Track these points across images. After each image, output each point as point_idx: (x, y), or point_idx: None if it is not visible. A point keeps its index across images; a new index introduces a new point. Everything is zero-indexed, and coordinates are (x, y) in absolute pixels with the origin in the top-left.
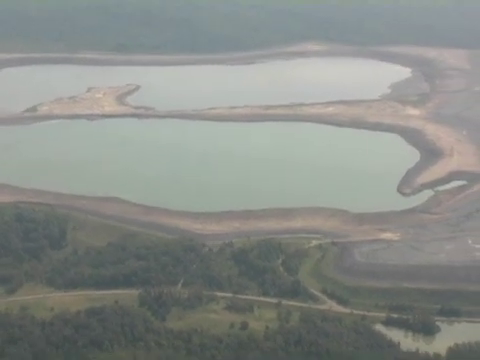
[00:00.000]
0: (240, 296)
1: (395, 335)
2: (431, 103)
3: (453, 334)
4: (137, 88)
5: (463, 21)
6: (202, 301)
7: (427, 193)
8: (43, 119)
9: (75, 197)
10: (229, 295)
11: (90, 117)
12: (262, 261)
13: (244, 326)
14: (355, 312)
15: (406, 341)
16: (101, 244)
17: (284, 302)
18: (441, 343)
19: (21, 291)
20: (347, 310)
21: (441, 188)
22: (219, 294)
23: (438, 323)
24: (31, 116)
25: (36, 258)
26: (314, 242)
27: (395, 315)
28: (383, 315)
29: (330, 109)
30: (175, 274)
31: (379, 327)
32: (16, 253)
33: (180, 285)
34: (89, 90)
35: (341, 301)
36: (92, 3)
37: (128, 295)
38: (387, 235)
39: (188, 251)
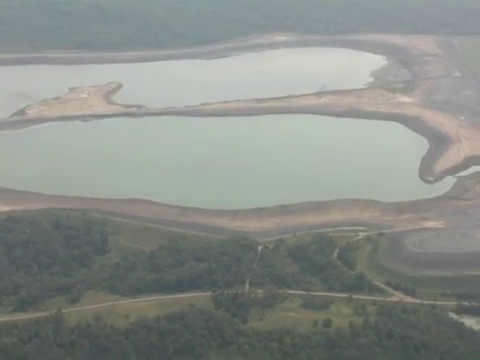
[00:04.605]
0: (312, 293)
1: (471, 323)
2: (419, 90)
3: None
4: (120, 86)
5: (417, 6)
6: (277, 300)
7: (450, 180)
8: (34, 122)
9: (101, 201)
10: (300, 293)
11: (84, 118)
12: (320, 256)
13: (328, 323)
14: (425, 302)
15: None
16: (145, 248)
17: (354, 296)
18: None
19: (85, 300)
20: (417, 301)
21: (462, 174)
22: (290, 292)
23: None
24: (21, 120)
25: (84, 265)
26: (361, 234)
27: (465, 303)
28: (452, 304)
29: (322, 100)
30: (240, 274)
31: (452, 316)
32: (63, 261)
33: (247, 285)
34: (71, 90)
35: (408, 292)
36: (40, 2)
37: (200, 298)
38: (431, 223)
39: (246, 250)
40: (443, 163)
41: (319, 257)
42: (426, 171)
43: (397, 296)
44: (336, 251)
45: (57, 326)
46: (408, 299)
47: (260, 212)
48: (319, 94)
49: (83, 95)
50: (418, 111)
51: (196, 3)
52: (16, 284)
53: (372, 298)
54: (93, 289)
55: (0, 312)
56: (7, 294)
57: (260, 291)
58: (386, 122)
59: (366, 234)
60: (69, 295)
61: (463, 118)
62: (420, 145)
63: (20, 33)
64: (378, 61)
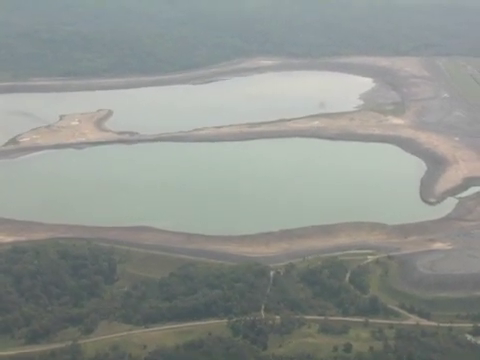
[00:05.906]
0: (329, 318)
1: None
2: (410, 112)
3: None
4: (110, 113)
5: (397, 29)
6: (295, 326)
7: (451, 201)
8: (29, 151)
9: (106, 229)
10: (317, 318)
11: (78, 146)
12: (333, 280)
13: (348, 348)
14: (441, 325)
15: None
16: (154, 276)
17: (370, 320)
18: None
19: (99, 330)
20: (433, 323)
21: (462, 195)
22: (307, 317)
23: None
24: (15, 149)
25: (94, 295)
26: (370, 257)
27: None
28: (469, 325)
29: (316, 123)
30: (255, 300)
31: (470, 338)
32: (73, 291)
33: (263, 311)
34: (62, 118)
35: (423, 315)
36: (22, 30)
37: (217, 325)
38: (439, 245)
39: (259, 276)
40: (443, 184)
41: (332, 281)
42: (427, 193)
43: (413, 319)
44: (347, 275)
45: (74, 357)
46: (424, 322)
47: (267, 237)
48: (311, 117)
49: (74, 123)
50: (412, 133)
51: (178, 29)
52: (26, 316)
53: (389, 322)
54: (106, 319)
55: (12, 345)
56: (18, 326)
57: (277, 317)
58: (381, 144)
59: (375, 257)
60: (82, 325)
61: (457, 139)
62: (418, 167)
63: (3, 61)
64: (366, 83)
